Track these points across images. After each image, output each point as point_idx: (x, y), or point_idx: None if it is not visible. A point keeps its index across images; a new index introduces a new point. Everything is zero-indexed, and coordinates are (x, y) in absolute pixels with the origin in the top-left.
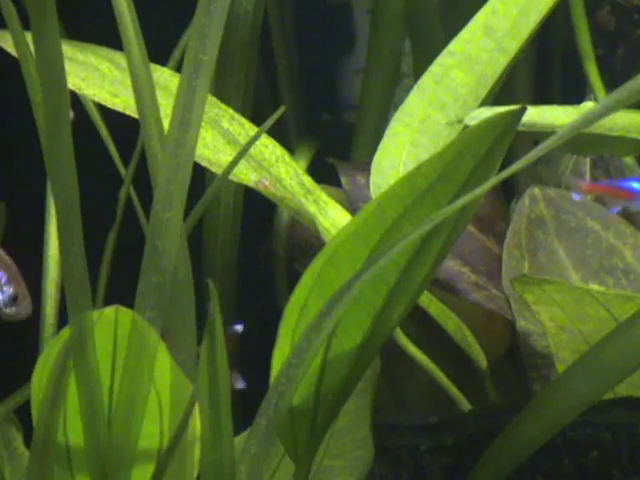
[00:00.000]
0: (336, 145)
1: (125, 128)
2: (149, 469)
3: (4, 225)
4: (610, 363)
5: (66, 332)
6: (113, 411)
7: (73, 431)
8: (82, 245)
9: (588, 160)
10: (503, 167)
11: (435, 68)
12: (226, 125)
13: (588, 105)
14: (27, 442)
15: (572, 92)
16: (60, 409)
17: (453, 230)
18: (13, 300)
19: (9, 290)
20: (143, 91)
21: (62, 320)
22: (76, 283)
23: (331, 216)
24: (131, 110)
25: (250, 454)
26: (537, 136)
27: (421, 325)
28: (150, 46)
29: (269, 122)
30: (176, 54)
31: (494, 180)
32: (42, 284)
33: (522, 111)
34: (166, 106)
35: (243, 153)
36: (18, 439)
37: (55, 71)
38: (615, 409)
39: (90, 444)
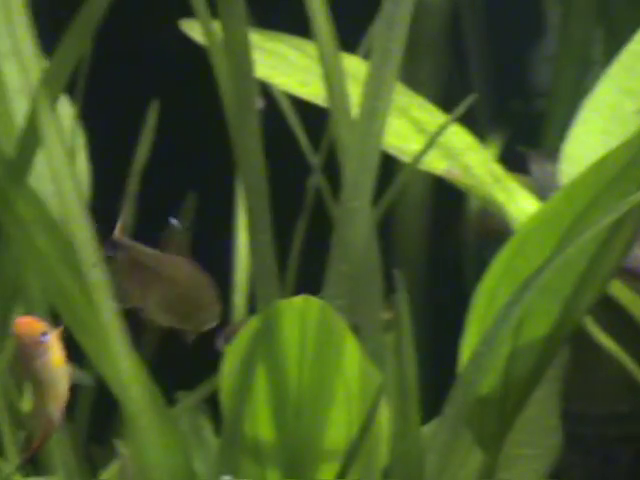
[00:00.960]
0: (526, 133)
1: (313, 116)
2: (337, 458)
3: (194, 216)
4: None
5: (255, 321)
6: (301, 400)
7: (261, 420)
8: (271, 234)
9: None
10: None
11: (625, 56)
12: (415, 113)
13: None
14: (217, 431)
15: None
16: (249, 398)
17: None
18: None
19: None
20: (332, 79)
21: (251, 309)
22: (265, 272)
23: (520, 204)
24: (320, 99)
25: (439, 443)
26: None
27: (610, 312)
28: (339, 34)
29: (459, 110)
30: (365, 42)
31: None
32: (232, 274)
33: None
34: (355, 94)
35: (432, 141)
36: (208, 428)
37: (243, 60)
38: None
39: (278, 433)
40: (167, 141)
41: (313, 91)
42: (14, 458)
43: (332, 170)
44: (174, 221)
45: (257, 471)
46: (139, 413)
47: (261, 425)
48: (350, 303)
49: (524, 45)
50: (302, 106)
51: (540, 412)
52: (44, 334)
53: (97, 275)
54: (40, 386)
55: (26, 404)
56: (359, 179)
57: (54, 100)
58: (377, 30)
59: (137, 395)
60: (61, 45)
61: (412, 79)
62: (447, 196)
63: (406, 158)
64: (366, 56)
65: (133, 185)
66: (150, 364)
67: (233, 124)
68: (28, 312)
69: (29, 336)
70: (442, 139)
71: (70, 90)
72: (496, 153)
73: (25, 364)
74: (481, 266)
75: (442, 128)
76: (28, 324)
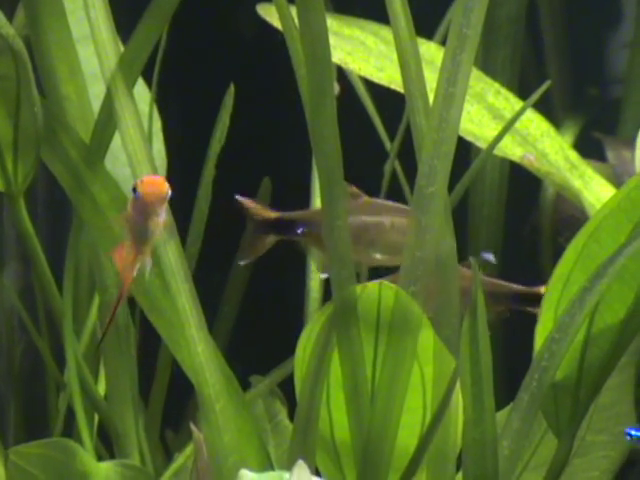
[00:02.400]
0: (602, 120)
1: (390, 102)
2: (412, 443)
3: (270, 200)
4: None
5: (330, 306)
6: (376, 385)
7: (336, 405)
8: (346, 220)
9: None
10: None
11: None
12: (491, 99)
13: None
14: (291, 416)
15: None
16: (323, 383)
17: None
18: None
19: None
20: (409, 65)
21: (327, 294)
22: (340, 257)
23: (596, 191)
24: (396, 84)
25: (512, 429)
26: None
27: None
28: (416, 20)
29: (535, 96)
30: (442, 28)
31: None
32: (307, 259)
33: None
34: (431, 80)
35: (508, 127)
36: (282, 413)
37: (320, 45)
38: None
39: (353, 418)
40: (243, 126)
41: (390, 77)
42: (89, 443)
43: (408, 156)
44: None
45: (331, 456)
46: (214, 397)
47: (335, 410)
48: (425, 288)
49: (601, 32)
50: (381, 91)
51: (614, 398)
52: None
53: (173, 259)
54: (145, 241)
55: (101, 388)
56: (435, 165)
57: (131, 84)
58: (454, 16)
59: (212, 379)
60: (138, 29)
61: (489, 65)
62: (523, 182)
63: (482, 144)
64: (443, 42)
65: (210, 170)
66: (225, 348)
67: (310, 109)
68: (102, 297)
69: (156, 194)
70: (518, 125)
71: (148, 75)
72: (572, 140)
73: (144, 221)
74: (557, 252)
75: (518, 114)
76: (156, 182)
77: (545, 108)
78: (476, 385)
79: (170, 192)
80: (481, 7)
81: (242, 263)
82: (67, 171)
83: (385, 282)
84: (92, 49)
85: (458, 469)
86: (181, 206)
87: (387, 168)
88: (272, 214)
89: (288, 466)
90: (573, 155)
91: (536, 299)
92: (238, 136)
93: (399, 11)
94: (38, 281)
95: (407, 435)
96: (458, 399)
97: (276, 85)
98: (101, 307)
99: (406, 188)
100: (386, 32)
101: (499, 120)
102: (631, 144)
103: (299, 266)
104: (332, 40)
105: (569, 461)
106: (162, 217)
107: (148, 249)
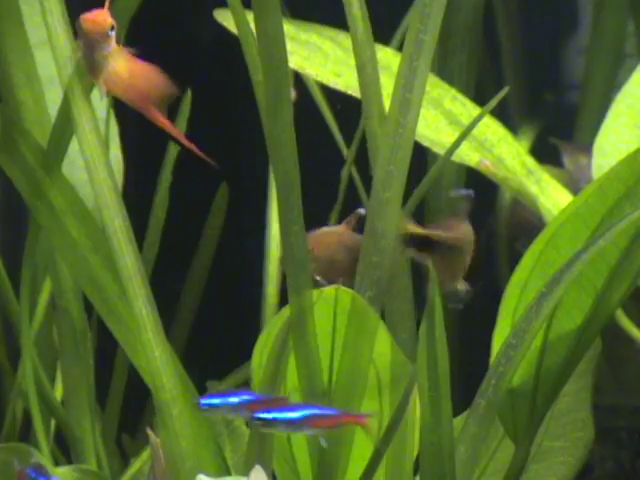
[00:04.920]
0: (559, 126)
1: (347, 107)
2: (369, 447)
3: (227, 206)
4: None
5: (286, 311)
6: (333, 389)
7: None
8: (302, 225)
9: None
10: None
11: None
12: (448, 105)
13: None
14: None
15: None
16: (280, 387)
17: None
18: None
19: None
20: (366, 70)
21: (283, 299)
22: (296, 262)
23: (553, 197)
24: (353, 90)
25: (469, 434)
26: None
27: None
28: (374, 26)
29: (492, 102)
30: (399, 35)
31: None
32: (264, 264)
33: None
34: (388, 86)
35: (466, 133)
36: (239, 418)
37: (276, 50)
38: None
39: None
40: (199, 131)
41: (346, 82)
42: (45, 448)
43: (366, 161)
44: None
45: (288, 461)
46: (171, 402)
47: None
48: (381, 293)
49: (557, 38)
50: (337, 97)
51: (572, 405)
52: (112, 29)
53: (130, 264)
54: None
55: (58, 393)
56: (391, 170)
57: (88, 90)
58: (411, 22)
59: (169, 384)
60: None
61: (445, 71)
62: (480, 188)
63: (439, 150)
64: (399, 48)
65: (166, 176)
66: (182, 353)
67: (266, 114)
68: (59, 302)
69: (96, 30)
70: (475, 131)
71: None
72: (529, 145)
73: (88, 58)
74: (513, 258)
75: (475, 120)
76: (97, 18)
77: (502, 114)
78: (433, 390)
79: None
80: (438, 13)
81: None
82: (24, 176)
83: (342, 287)
84: (49, 54)
85: (415, 473)
86: (138, 211)
87: (344, 174)
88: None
89: (245, 471)
90: (530, 161)
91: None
92: (195, 142)
93: (357, 16)
94: None
95: (364, 440)
96: (415, 404)
97: (233, 90)
98: (58, 312)
99: (363, 194)
100: (343, 37)
101: (456, 126)
102: (588, 150)
103: (256, 273)
104: (289, 45)
105: (527, 467)
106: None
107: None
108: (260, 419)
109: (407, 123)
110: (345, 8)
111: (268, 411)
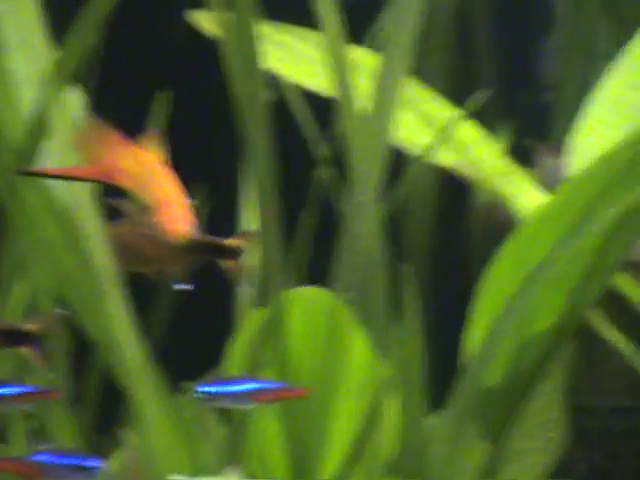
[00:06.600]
0: (534, 126)
1: (321, 108)
2: (345, 447)
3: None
4: None
5: (261, 312)
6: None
7: (267, 410)
8: (278, 226)
9: None
10: None
11: (632, 49)
12: (424, 106)
13: None
14: (221, 421)
15: None
16: None
17: None
18: None
19: None
20: (338, 70)
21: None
22: (272, 263)
23: (527, 197)
24: (326, 90)
25: (444, 434)
26: None
27: (616, 306)
28: (346, 26)
29: (468, 104)
30: (373, 34)
31: None
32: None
33: None
34: (361, 85)
35: (442, 135)
36: (213, 418)
37: (251, 51)
38: None
39: (284, 423)
40: (175, 132)
41: (320, 82)
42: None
43: (341, 162)
44: None
45: (263, 461)
46: (145, 402)
47: (267, 416)
48: (357, 294)
49: (532, 38)
50: (311, 98)
51: (545, 405)
52: None
53: (105, 264)
54: None
55: None
56: (367, 172)
57: (63, 90)
58: (387, 23)
59: (143, 384)
60: (70, 34)
61: (421, 73)
62: (455, 188)
63: (415, 151)
64: (372, 47)
65: None
66: (156, 353)
67: (241, 115)
68: (34, 302)
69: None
70: (451, 132)
71: (82, 81)
72: (504, 146)
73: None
74: (487, 258)
75: (451, 122)
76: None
77: (477, 114)
78: (407, 390)
79: None
80: (414, 14)
81: None
82: None
83: (317, 288)
84: (24, 54)
85: (390, 473)
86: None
87: (317, 175)
88: None
89: (218, 471)
90: (505, 162)
91: (233, 253)
92: (170, 143)
93: (329, 16)
94: None
95: (339, 440)
96: (391, 404)
97: (208, 91)
98: (33, 313)
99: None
100: (316, 37)
101: (432, 127)
102: (562, 150)
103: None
104: (263, 46)
105: (499, 466)
106: None
107: None
108: (204, 392)
109: (383, 124)
110: (318, 6)
111: (211, 385)
